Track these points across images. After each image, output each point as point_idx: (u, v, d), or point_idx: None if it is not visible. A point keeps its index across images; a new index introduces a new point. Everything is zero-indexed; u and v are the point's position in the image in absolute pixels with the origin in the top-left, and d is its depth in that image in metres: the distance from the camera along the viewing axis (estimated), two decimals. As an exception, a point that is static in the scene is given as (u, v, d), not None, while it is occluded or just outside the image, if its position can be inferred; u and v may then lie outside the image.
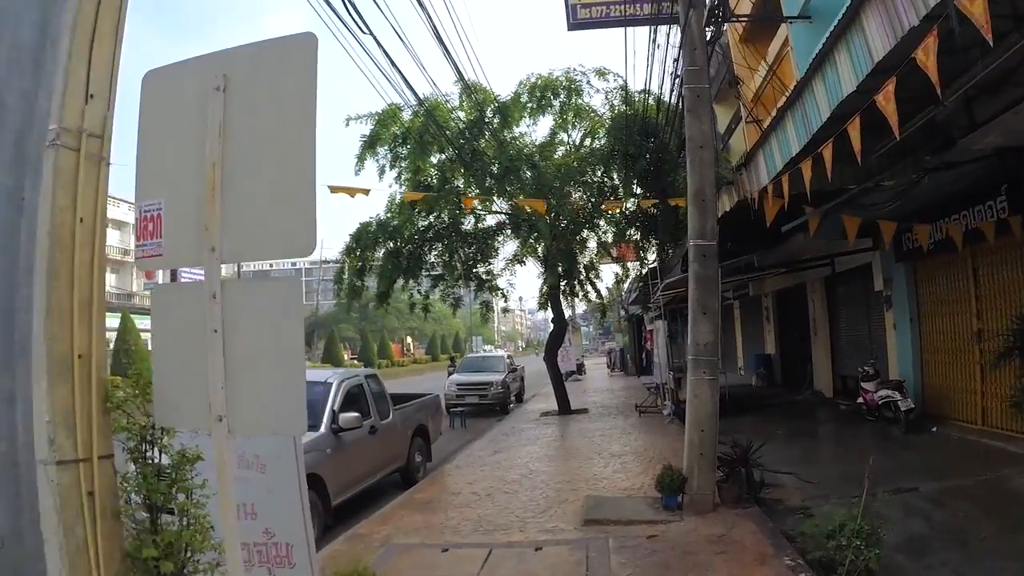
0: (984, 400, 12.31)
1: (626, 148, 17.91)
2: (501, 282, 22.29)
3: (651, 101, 18.20)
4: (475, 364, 28.27)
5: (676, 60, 13.33)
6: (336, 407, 9.90)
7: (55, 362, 3.18)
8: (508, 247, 21.74)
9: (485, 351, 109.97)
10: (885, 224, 10.31)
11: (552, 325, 23.19)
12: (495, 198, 19.36)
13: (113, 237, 54.77)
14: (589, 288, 22.77)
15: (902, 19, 5.41)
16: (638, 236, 20.51)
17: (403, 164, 19.06)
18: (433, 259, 20.78)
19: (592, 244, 21.74)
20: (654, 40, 12.63)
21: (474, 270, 21.01)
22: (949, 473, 9.80)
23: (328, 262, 59.56)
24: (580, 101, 19.09)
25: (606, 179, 19.19)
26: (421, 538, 8.32)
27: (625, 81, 19.07)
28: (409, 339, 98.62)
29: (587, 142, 20.08)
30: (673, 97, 15.09)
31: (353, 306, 22.80)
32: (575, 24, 14.92)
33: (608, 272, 28.55)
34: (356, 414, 9.84)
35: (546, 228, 18.14)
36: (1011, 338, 9.84)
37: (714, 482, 8.61)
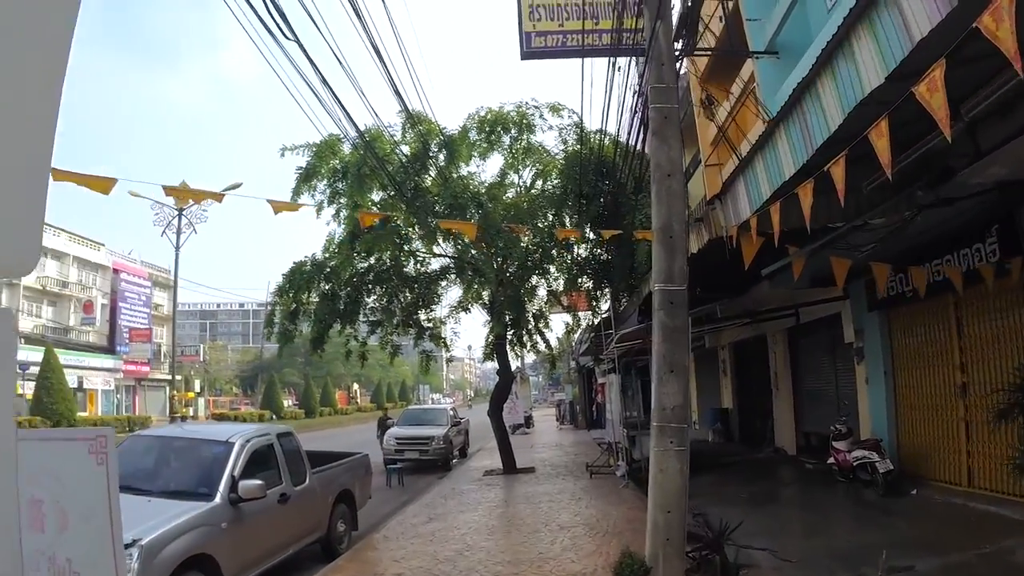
0: (971, 459, 11.36)
1: (580, 188, 16.81)
2: (445, 330, 21.00)
3: (607, 141, 17.20)
4: (416, 417, 26.52)
5: (636, 93, 12.34)
6: (237, 473, 8.41)
7: None
8: (452, 293, 20.50)
9: (433, 399, 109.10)
10: (878, 267, 9.19)
11: (498, 377, 21.75)
12: (438, 240, 18.16)
13: (51, 268, 52.78)
14: (538, 338, 21.46)
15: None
16: (590, 284, 19.39)
17: (342, 201, 17.77)
18: (372, 303, 19.41)
19: (542, 292, 20.58)
20: (613, 63, 11.35)
21: (414, 316, 19.61)
22: (943, 546, 8.73)
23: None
24: (532, 138, 17.99)
25: (557, 223, 18.04)
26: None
27: (580, 118, 17.90)
28: (356, 386, 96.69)
29: (538, 183, 18.99)
30: (632, 133, 14.09)
31: (297, 350, 21.47)
32: (529, 53, 13.61)
33: (558, 321, 27.29)
34: (259, 482, 8.33)
35: (492, 273, 16.90)
36: (1012, 394, 8.69)
37: (683, 572, 7.23)
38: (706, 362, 25.62)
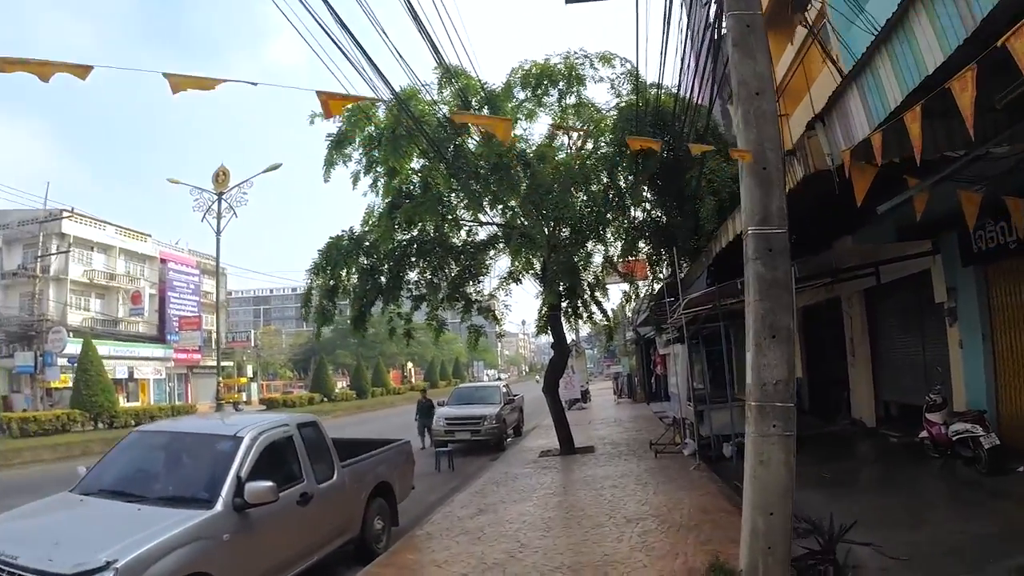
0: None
1: (637, 143, 15.24)
2: (496, 303, 19.60)
3: (663, 94, 15.72)
4: (467, 395, 25.29)
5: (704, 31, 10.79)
6: (244, 474, 7.12)
7: None
8: (501, 263, 19.14)
9: (488, 376, 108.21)
10: (1014, 203, 7.49)
11: (552, 351, 20.28)
12: (484, 206, 16.75)
13: (98, 261, 52.81)
14: (594, 308, 19.95)
15: None
16: (648, 249, 17.81)
17: (379, 170, 16.42)
18: (415, 277, 18.11)
19: (597, 259, 19.04)
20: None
21: (461, 289, 18.24)
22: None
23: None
24: (583, 92, 16.44)
25: (611, 184, 16.51)
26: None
27: (636, 66, 16.29)
28: (410, 365, 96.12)
29: (588, 144, 17.45)
30: (693, 78, 12.54)
31: (349, 331, 20.32)
32: (573, -6, 12.04)
33: (615, 291, 25.57)
34: (270, 484, 7.01)
35: (542, 238, 15.46)
36: None
37: (788, 587, 5.75)
38: None
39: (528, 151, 16.30)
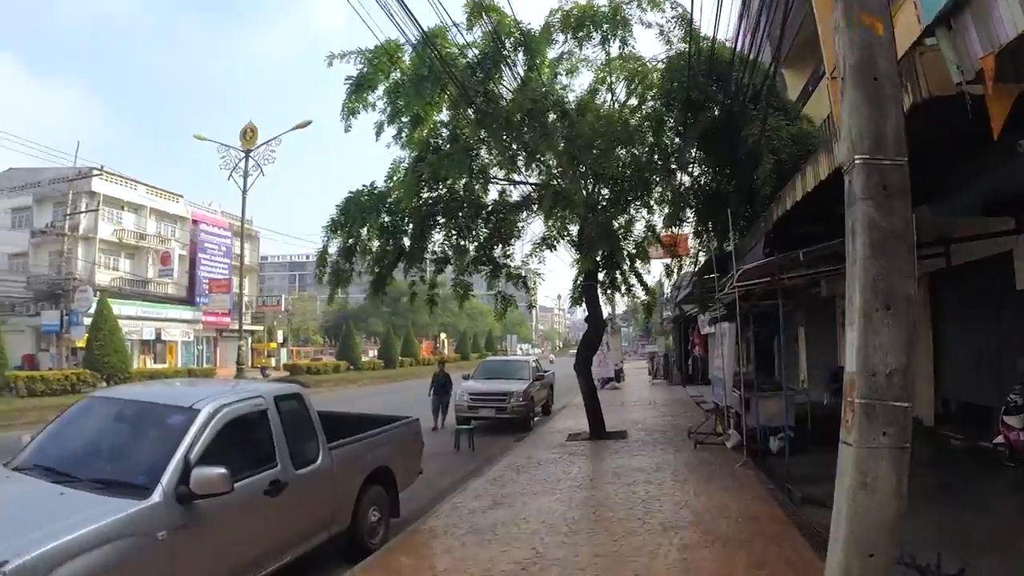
0: None
1: (688, 94, 13.67)
2: (527, 269, 18.13)
3: (718, 44, 14.19)
4: (494, 369, 23.79)
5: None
6: (194, 456, 5.74)
7: None
8: (535, 227, 17.68)
9: (522, 350, 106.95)
10: None
11: (586, 326, 18.76)
12: (517, 161, 15.31)
13: (128, 221, 52.24)
14: (634, 281, 18.37)
15: None
16: (695, 217, 16.30)
17: (404, 119, 15.03)
18: (440, 239, 16.72)
19: (639, 226, 17.53)
20: None
21: (490, 253, 16.74)
22: None
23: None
24: (628, 39, 14.79)
25: (657, 144, 14.99)
26: None
27: (688, 10, 14.73)
28: (443, 336, 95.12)
29: (633, 100, 15.94)
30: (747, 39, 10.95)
31: (383, 299, 19.02)
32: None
33: (655, 266, 23.89)
34: (221, 471, 5.58)
35: (580, 198, 13.99)
36: None
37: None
38: (818, 313, 21.89)
39: (566, 99, 14.82)
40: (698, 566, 6.94)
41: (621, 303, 35.78)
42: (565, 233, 17.15)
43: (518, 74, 14.61)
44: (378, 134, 15.13)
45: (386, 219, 15.80)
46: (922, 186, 10.54)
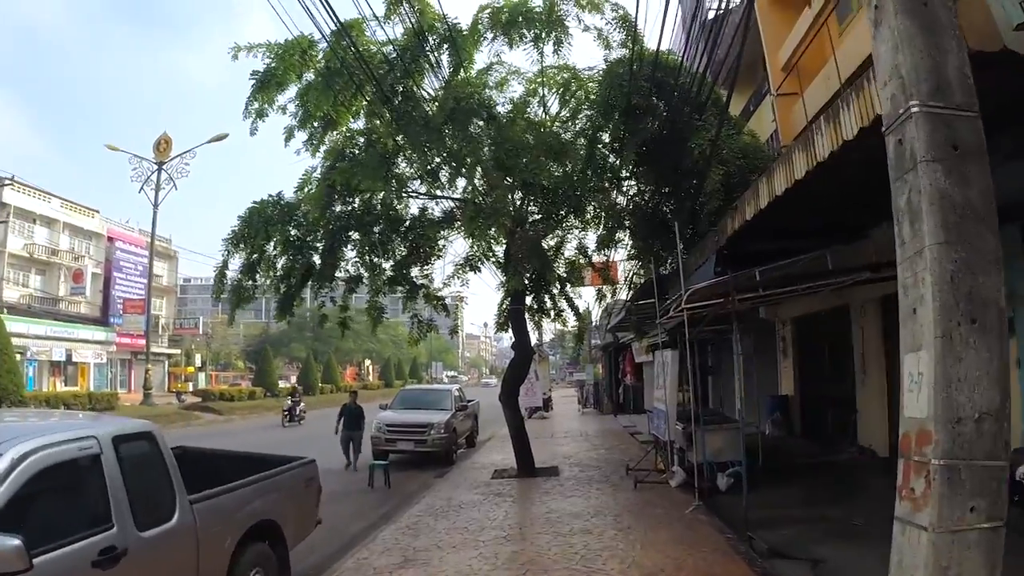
0: None
1: (628, 100, 12.48)
2: (449, 293, 16.74)
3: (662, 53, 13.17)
4: (414, 399, 22.09)
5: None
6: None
7: None
8: (457, 247, 16.34)
9: (447, 378, 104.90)
10: None
11: (513, 352, 17.38)
12: (437, 169, 14.00)
13: (41, 235, 49.64)
14: (564, 305, 17.10)
15: None
16: (628, 241, 15.21)
17: (315, 125, 13.60)
18: (354, 256, 15.29)
19: (571, 247, 16.41)
20: None
21: (405, 272, 15.32)
22: None
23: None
24: (563, 39, 13.61)
25: (593, 155, 13.83)
26: None
27: (634, 12, 13.65)
28: (368, 362, 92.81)
29: (565, 113, 14.85)
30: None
31: (305, 324, 17.41)
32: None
33: (585, 293, 22.64)
34: (13, 543, 3.99)
35: (508, 213, 12.73)
36: None
37: None
38: (757, 338, 20.80)
39: (493, 100, 13.60)
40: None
41: (548, 330, 34.66)
42: (490, 254, 15.97)
43: (443, 76, 13.32)
44: (287, 139, 13.76)
45: (293, 233, 14.39)
46: (887, 203, 9.50)
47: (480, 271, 16.05)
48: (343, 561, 8.76)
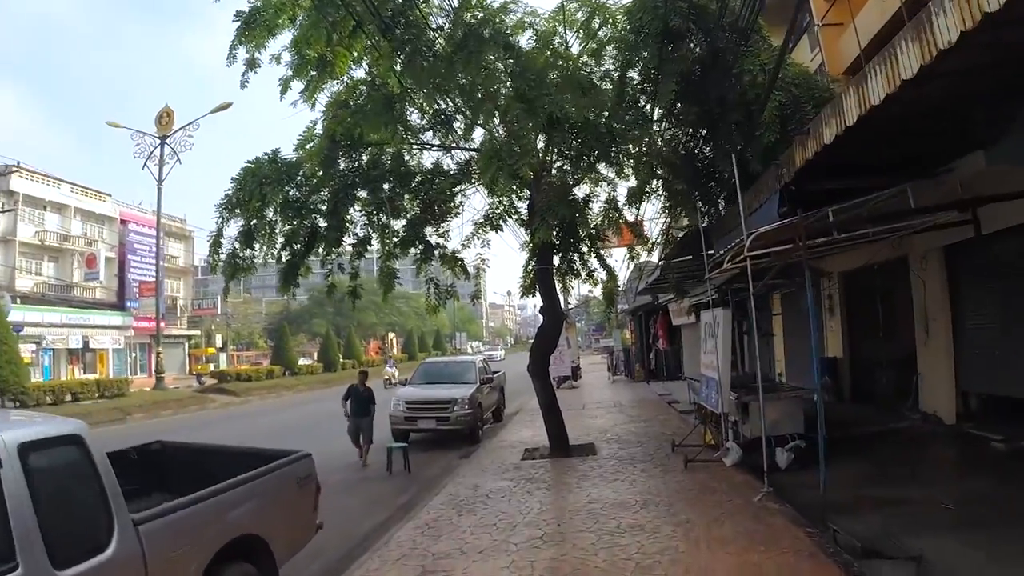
0: None
1: (665, 23, 10.81)
2: (467, 254, 15.21)
3: None
4: (435, 372, 20.66)
5: None
6: None
7: None
8: (475, 202, 14.93)
9: (472, 349, 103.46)
10: None
11: (540, 318, 15.91)
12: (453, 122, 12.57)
13: (52, 222, 48.62)
14: (595, 263, 15.57)
15: None
16: (663, 192, 13.80)
17: (312, 73, 12.04)
18: (361, 217, 14.02)
19: (597, 206, 15.05)
20: None
21: (420, 232, 13.90)
22: None
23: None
24: None
25: (626, 88, 12.41)
26: None
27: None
28: (391, 335, 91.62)
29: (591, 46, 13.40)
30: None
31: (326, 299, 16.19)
32: None
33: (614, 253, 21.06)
34: None
35: (533, 148, 11.44)
36: None
37: None
38: (797, 297, 18.99)
39: (509, 31, 12.09)
40: None
41: (573, 295, 33.08)
42: (513, 211, 14.68)
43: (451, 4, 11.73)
44: (283, 91, 12.08)
45: (292, 194, 13.13)
46: (975, 131, 8.03)
47: (502, 229, 14.72)
48: (351, 571, 7.33)
